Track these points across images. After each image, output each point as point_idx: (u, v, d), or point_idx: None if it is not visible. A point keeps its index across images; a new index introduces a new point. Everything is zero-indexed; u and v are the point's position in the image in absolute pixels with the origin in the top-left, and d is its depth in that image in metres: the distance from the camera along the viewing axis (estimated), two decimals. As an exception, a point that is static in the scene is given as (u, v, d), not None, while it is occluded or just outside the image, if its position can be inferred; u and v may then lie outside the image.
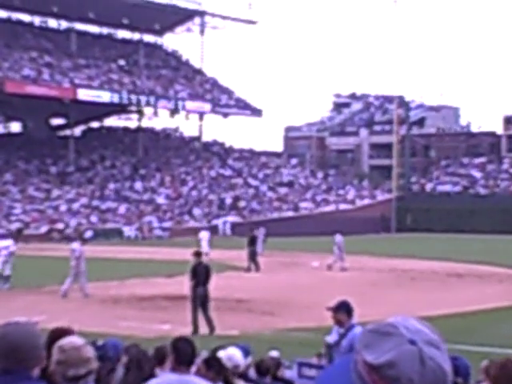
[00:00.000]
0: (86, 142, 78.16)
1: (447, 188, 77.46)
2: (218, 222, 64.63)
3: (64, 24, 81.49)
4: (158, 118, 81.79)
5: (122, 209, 64.95)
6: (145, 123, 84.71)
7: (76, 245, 24.76)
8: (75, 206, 63.62)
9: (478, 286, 27.52)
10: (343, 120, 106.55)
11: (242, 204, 69.87)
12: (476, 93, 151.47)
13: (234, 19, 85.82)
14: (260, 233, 40.02)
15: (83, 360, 3.80)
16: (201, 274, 17.78)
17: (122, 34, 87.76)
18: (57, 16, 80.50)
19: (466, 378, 6.91)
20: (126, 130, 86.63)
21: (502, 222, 66.08)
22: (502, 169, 79.65)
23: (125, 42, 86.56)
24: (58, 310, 19.77)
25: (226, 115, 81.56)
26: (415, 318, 1.80)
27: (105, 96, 71.76)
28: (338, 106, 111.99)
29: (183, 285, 19.74)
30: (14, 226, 55.91)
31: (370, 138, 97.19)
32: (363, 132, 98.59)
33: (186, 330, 16.25)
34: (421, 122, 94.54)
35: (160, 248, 47.16)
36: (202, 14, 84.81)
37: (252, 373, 8.08)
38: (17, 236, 51.96)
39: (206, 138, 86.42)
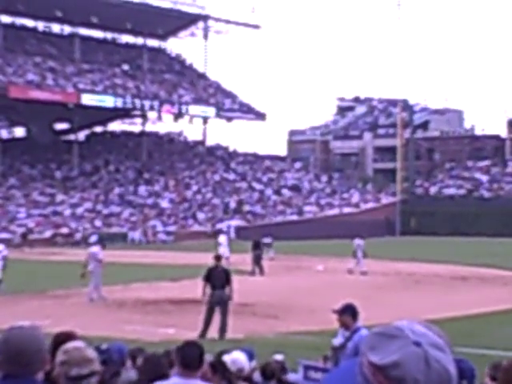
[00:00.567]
0: (90, 146, 78.29)
1: (451, 191, 77.36)
2: (222, 225, 64.62)
3: (68, 29, 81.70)
4: (162, 123, 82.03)
5: (126, 213, 65.01)
6: (149, 128, 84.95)
7: (96, 248, 24.79)
8: (79, 210, 63.68)
9: (482, 289, 27.48)
10: (347, 123, 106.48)
11: (246, 208, 69.87)
12: (480, 96, 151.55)
13: (237, 23, 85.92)
14: (266, 241, 39.81)
15: (86, 360, 3.82)
16: (218, 277, 17.68)
17: (126, 38, 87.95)
18: (60, 21, 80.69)
19: (471, 380, 6.89)
20: (129, 134, 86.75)
21: (506, 225, 65.92)
22: (507, 172, 79.53)
23: (128, 46, 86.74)
24: (62, 314, 19.78)
25: (229, 119, 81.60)
26: (421, 322, 1.81)
27: (109, 101, 71.88)
28: (342, 110, 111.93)
29: (188, 288, 19.75)
30: (19, 230, 56.00)
31: (374, 141, 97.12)
32: (367, 135, 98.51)
33: (191, 334, 16.25)
34: (425, 126, 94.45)
35: (164, 252, 47.19)
36: (205, 18, 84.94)
37: (257, 376, 8.07)
38: (22, 241, 52.30)
39: (210, 142, 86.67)
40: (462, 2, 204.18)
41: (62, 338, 5.32)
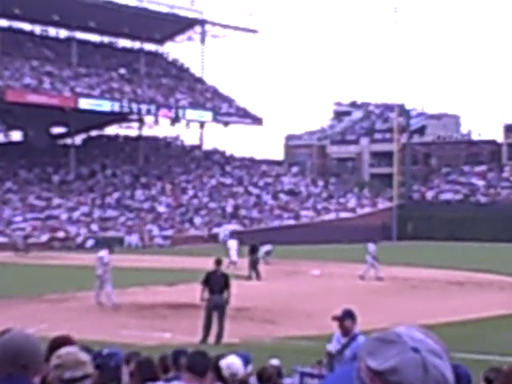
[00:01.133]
0: (86, 150, 78.24)
1: (448, 196, 77.46)
2: (219, 230, 64.59)
3: (65, 33, 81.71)
4: (159, 127, 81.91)
5: (123, 217, 64.94)
6: (145, 132, 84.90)
7: (104, 252, 24.66)
8: (76, 214, 63.61)
9: (478, 294, 27.50)
10: (344, 128, 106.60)
11: (242, 212, 69.87)
12: (476, 101, 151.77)
13: (234, 28, 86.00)
14: (263, 249, 39.73)
15: (79, 363, 3.85)
16: (216, 282, 17.62)
17: (123, 42, 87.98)
18: (57, 25, 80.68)
19: (468, 386, 6.88)
20: (126, 138, 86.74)
21: (502, 230, 66.03)
22: (503, 177, 79.67)
23: (125, 50, 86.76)
24: (58, 318, 19.72)
25: (226, 124, 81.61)
26: (419, 328, 1.81)
27: (105, 105, 71.87)
28: (339, 115, 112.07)
29: (184, 293, 19.71)
30: (21, 234, 55.88)
31: (370, 146, 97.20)
32: (364, 140, 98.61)
33: (186, 339, 16.23)
34: (421, 131, 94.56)
35: (161, 256, 47.16)
36: (202, 22, 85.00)
37: (253, 381, 8.06)
38: (27, 244, 52.24)
39: (207, 146, 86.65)
40: (458, 7, 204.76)
41: (59, 342, 5.31)
